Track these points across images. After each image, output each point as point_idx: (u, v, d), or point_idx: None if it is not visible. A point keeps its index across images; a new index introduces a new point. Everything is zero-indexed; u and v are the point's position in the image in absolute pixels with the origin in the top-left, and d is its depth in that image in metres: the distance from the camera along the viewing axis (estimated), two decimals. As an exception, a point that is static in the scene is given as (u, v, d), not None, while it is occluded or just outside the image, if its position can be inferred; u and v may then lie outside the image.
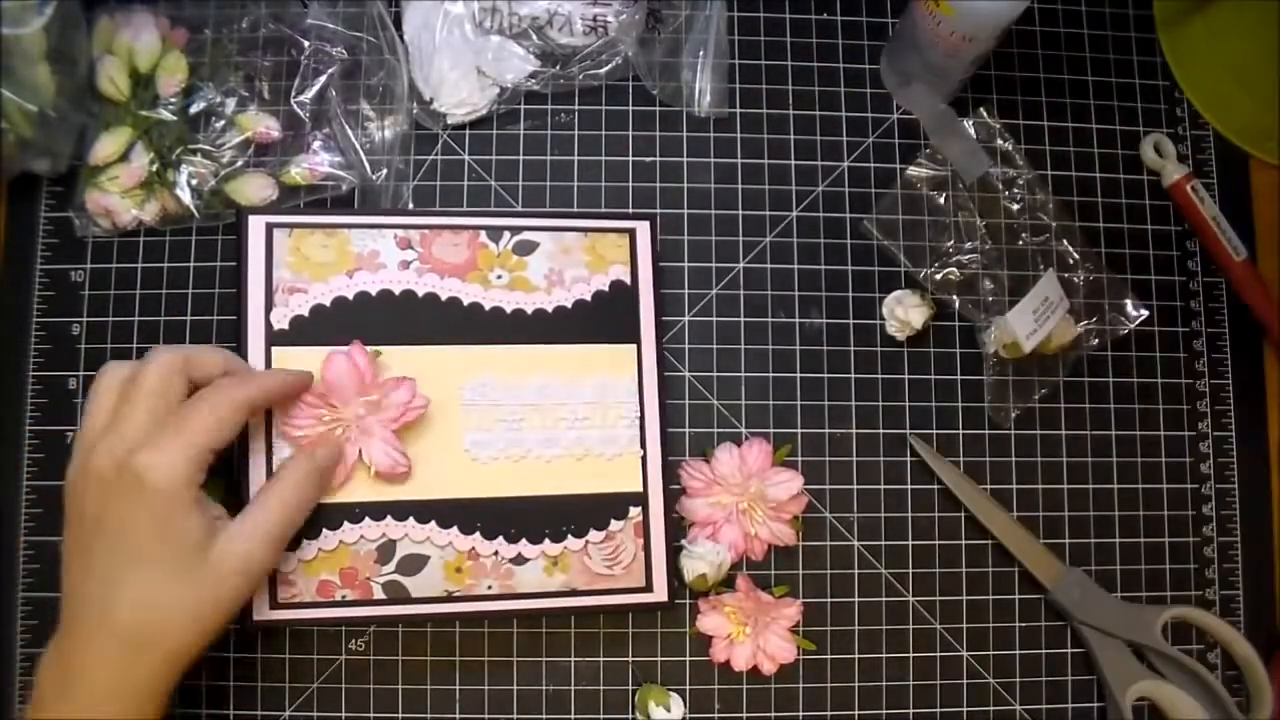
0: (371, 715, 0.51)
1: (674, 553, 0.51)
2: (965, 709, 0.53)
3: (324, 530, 0.47)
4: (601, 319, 0.51)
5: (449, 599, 0.48)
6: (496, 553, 0.49)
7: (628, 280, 0.52)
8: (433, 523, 0.48)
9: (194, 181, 0.52)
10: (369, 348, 0.48)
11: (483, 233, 0.51)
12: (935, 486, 0.54)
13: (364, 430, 0.47)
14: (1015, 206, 0.56)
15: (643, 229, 0.52)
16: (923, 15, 0.50)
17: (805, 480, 0.51)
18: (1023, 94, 0.58)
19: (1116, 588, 0.54)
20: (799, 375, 0.54)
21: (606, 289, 0.51)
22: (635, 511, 0.50)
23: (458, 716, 0.51)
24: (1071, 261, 0.55)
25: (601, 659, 0.52)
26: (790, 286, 0.55)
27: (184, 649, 0.40)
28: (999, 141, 0.56)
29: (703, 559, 0.50)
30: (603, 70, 0.55)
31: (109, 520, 0.39)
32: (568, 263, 0.51)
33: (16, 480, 0.51)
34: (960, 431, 0.54)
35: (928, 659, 0.53)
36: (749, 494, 0.51)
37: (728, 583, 0.51)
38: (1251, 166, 0.58)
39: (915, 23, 0.51)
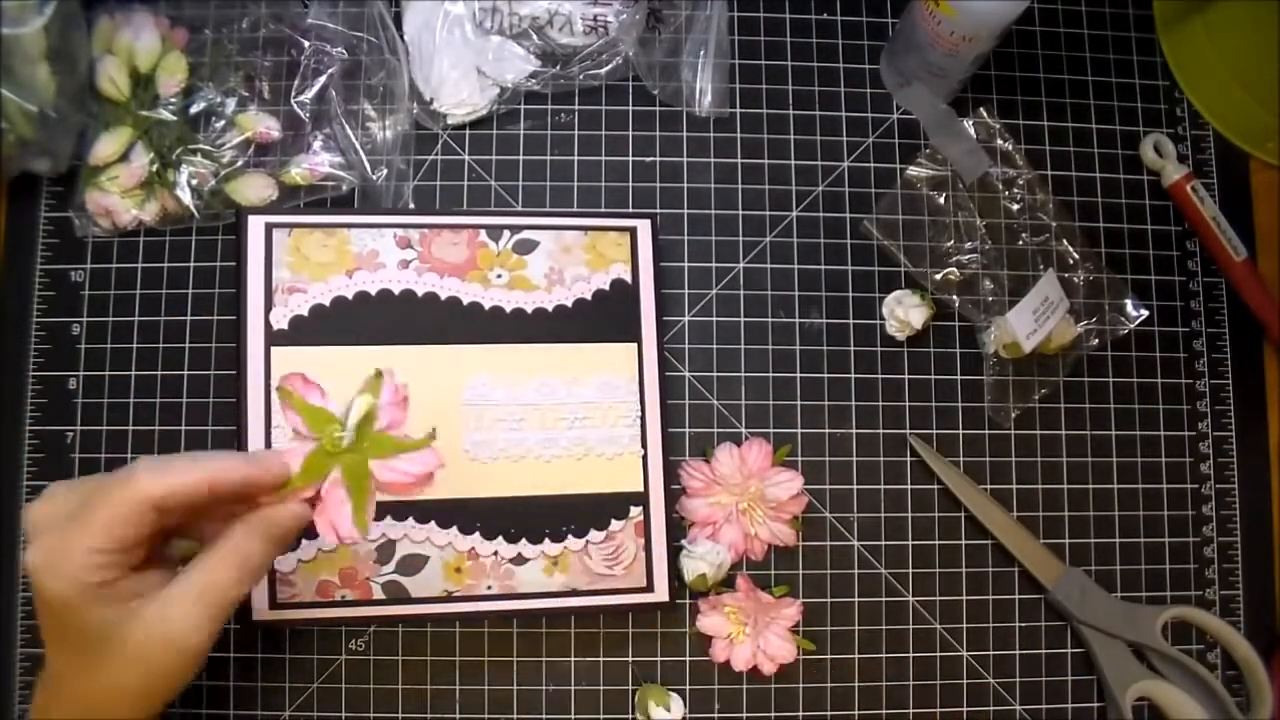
0: (371, 715, 0.50)
1: (674, 553, 0.51)
2: (965, 709, 0.52)
3: (324, 530, 0.47)
4: (602, 318, 0.51)
5: (448, 599, 0.48)
6: (496, 553, 0.49)
7: (628, 278, 0.52)
8: (432, 523, 0.48)
9: (194, 181, 0.52)
10: (367, 347, 0.48)
11: (482, 232, 0.51)
12: (935, 486, 0.54)
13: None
14: (1015, 206, 0.56)
15: (643, 227, 0.52)
16: (923, 15, 0.50)
17: (805, 480, 0.52)
18: (1023, 94, 0.58)
19: (1116, 588, 0.54)
20: (799, 375, 0.54)
21: (607, 287, 0.51)
22: (636, 511, 0.50)
23: (458, 716, 0.51)
24: (1071, 261, 0.55)
25: (601, 659, 0.52)
26: (790, 286, 0.55)
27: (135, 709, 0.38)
28: (999, 141, 0.56)
29: (703, 559, 0.50)
30: (603, 70, 0.55)
31: (38, 615, 0.38)
32: (568, 261, 0.51)
33: (16, 480, 0.51)
34: (960, 431, 0.54)
35: (928, 659, 0.53)
36: (749, 494, 0.51)
37: (728, 583, 0.51)
38: (1251, 166, 0.58)
39: (915, 23, 0.51)
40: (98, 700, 0.38)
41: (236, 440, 0.48)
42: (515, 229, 0.51)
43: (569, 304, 0.51)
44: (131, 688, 0.37)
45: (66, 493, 0.37)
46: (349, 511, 0.38)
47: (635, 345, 0.51)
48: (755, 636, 0.50)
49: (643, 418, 0.51)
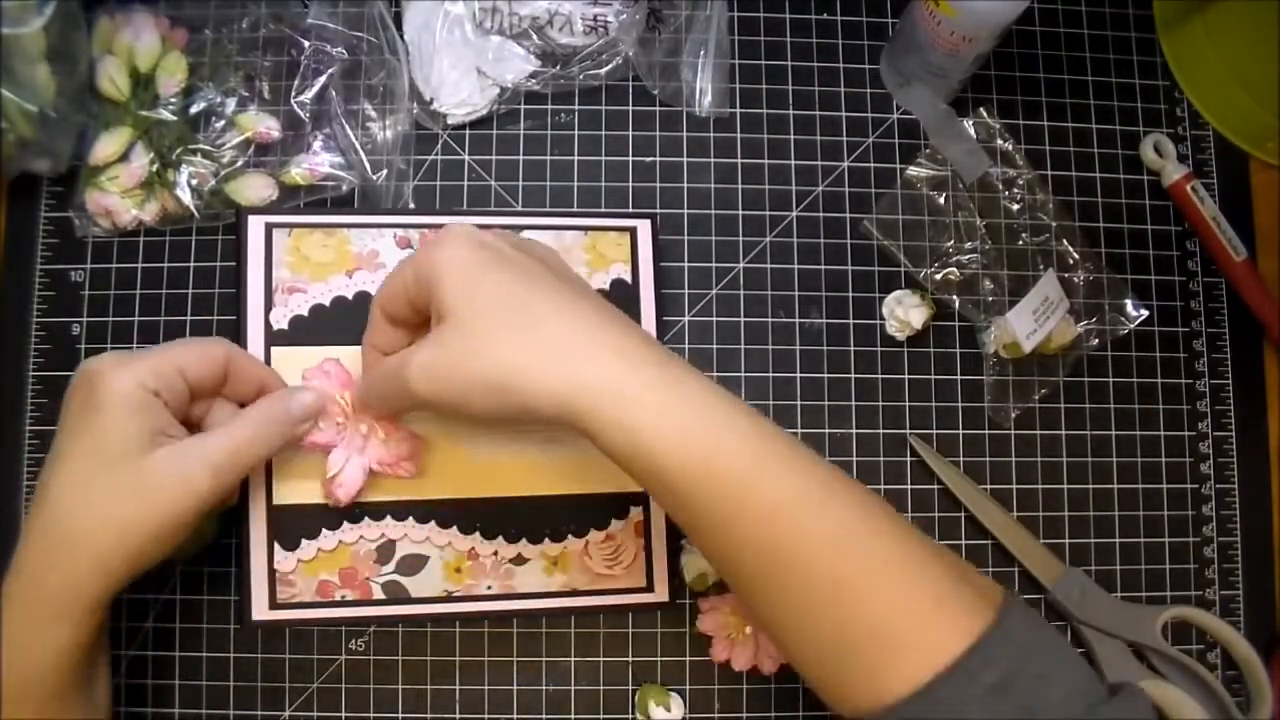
0: (371, 715, 0.51)
1: (674, 552, 0.51)
2: (965, 709, 0.52)
3: (323, 530, 0.47)
4: (601, 319, 0.51)
5: (449, 599, 0.48)
6: (496, 553, 0.49)
7: (628, 279, 0.52)
8: (432, 523, 0.48)
9: (194, 181, 0.52)
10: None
11: (483, 232, 0.51)
12: (935, 486, 0.54)
13: (369, 435, 0.47)
14: (1015, 206, 0.56)
15: (643, 227, 0.52)
16: (923, 16, 0.50)
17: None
18: (1023, 94, 0.58)
19: (1116, 588, 0.54)
20: (799, 375, 0.54)
21: (607, 288, 0.51)
22: (635, 511, 0.50)
23: (458, 716, 0.51)
24: (1071, 261, 0.55)
25: (601, 659, 0.52)
26: (790, 286, 0.55)
27: (108, 555, 0.39)
28: (999, 141, 0.56)
29: (703, 557, 0.49)
30: (603, 70, 0.55)
31: (65, 418, 0.40)
32: (568, 261, 0.51)
33: (16, 480, 0.51)
34: (960, 431, 0.54)
35: (928, 659, 0.53)
36: None
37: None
38: (1251, 166, 0.58)
39: (915, 23, 0.51)
40: (95, 517, 0.39)
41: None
42: (515, 229, 0.51)
43: None
44: (131, 517, 0.39)
45: (207, 361, 0.43)
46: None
47: (635, 345, 0.51)
48: (756, 635, 0.50)
49: (643, 418, 0.50)
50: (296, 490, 0.47)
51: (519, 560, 0.49)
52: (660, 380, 0.37)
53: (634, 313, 0.51)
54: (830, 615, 0.35)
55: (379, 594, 0.48)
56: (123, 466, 0.39)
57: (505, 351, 0.37)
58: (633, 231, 0.52)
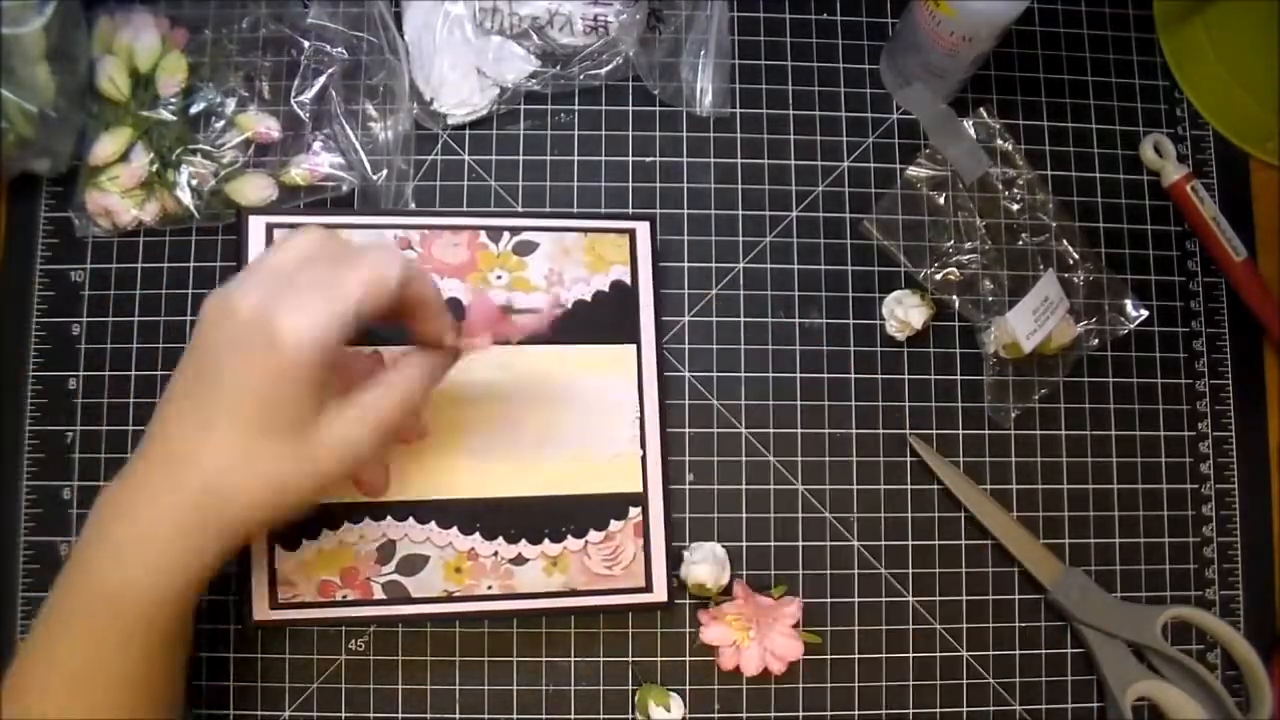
0: (371, 715, 0.51)
1: (674, 553, 0.51)
2: (965, 709, 0.52)
3: (324, 530, 0.47)
4: (602, 319, 0.51)
5: (449, 599, 0.48)
6: (496, 553, 0.49)
7: (628, 280, 0.52)
8: (432, 523, 0.48)
9: (194, 181, 0.52)
10: (367, 348, 0.48)
11: (482, 233, 0.51)
12: (935, 486, 0.54)
13: None
14: (1015, 206, 0.56)
15: (642, 229, 0.52)
16: (923, 16, 0.50)
17: (805, 480, 0.52)
18: (1023, 94, 0.58)
19: (1116, 588, 0.54)
20: (799, 375, 0.54)
21: (607, 289, 0.51)
22: (635, 512, 0.50)
23: (458, 717, 0.51)
24: (1071, 261, 0.55)
25: (601, 659, 0.52)
26: (790, 286, 0.55)
27: (248, 521, 0.39)
28: (999, 141, 0.56)
29: (702, 563, 0.50)
30: (603, 70, 0.55)
31: (225, 367, 0.37)
32: (567, 263, 0.51)
33: (16, 480, 0.51)
34: (960, 431, 0.54)
35: (928, 659, 0.53)
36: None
37: (728, 590, 0.51)
38: (1251, 166, 0.58)
39: (915, 23, 0.51)
40: (254, 483, 0.38)
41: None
42: (515, 230, 0.51)
43: (569, 305, 0.51)
44: (291, 477, 0.39)
45: (311, 260, 0.39)
46: None
47: (634, 346, 0.51)
48: (760, 639, 0.50)
49: (642, 418, 0.51)
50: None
51: (519, 560, 0.49)
52: None
53: (633, 314, 0.51)
54: None
55: (379, 594, 0.48)
56: (291, 434, 0.38)
57: None
58: (632, 233, 0.52)
